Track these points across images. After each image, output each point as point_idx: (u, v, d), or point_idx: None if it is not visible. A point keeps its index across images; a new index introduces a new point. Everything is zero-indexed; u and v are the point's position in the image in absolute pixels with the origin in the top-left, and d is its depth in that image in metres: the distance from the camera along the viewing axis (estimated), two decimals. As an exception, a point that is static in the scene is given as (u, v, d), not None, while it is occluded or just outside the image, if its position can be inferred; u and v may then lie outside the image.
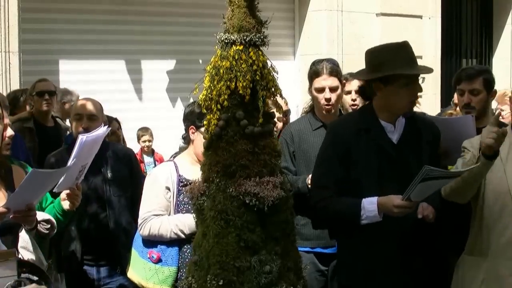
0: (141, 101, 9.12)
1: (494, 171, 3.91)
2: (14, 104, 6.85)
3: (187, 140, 4.59)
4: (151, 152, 9.06)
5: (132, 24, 8.99)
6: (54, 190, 4.11)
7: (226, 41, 3.50)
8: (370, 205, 3.96)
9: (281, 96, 3.67)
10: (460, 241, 4.18)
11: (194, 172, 4.07)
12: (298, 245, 3.85)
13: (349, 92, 5.65)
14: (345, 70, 6.05)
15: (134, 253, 4.54)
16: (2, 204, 3.39)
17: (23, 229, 3.62)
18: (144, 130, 9.00)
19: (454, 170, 3.84)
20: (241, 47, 3.46)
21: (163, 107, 9.33)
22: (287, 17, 10.29)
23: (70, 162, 3.84)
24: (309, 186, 4.63)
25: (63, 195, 4.13)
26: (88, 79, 8.58)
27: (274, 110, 3.79)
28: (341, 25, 10.12)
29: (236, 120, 3.49)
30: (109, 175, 5.06)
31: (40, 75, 7.40)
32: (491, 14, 12.80)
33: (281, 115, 5.50)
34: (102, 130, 4.01)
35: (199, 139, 4.28)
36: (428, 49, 10.90)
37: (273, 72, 3.57)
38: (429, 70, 4.20)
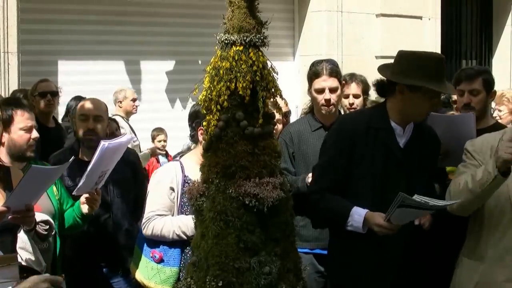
0: (140, 102, 9.11)
1: None
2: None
3: (195, 139, 4.61)
4: (166, 153, 9.00)
5: (131, 25, 8.99)
6: (73, 193, 4.15)
7: (226, 41, 3.49)
8: (357, 216, 3.96)
9: (281, 97, 3.66)
10: (460, 244, 4.18)
11: (199, 173, 4.06)
12: (297, 246, 3.84)
13: (347, 96, 5.64)
14: (344, 71, 6.05)
15: (138, 251, 4.57)
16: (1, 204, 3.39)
17: (22, 230, 3.62)
18: (159, 130, 8.96)
19: (432, 203, 3.74)
20: (241, 48, 3.46)
21: (162, 107, 9.33)
22: (287, 18, 10.29)
23: (89, 167, 3.88)
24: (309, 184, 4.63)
25: (82, 199, 4.18)
26: (87, 79, 8.58)
27: (274, 111, 3.78)
28: (341, 26, 10.12)
29: (236, 121, 3.48)
30: (112, 176, 5.05)
31: (39, 76, 7.40)
32: (491, 15, 12.81)
33: (280, 117, 5.50)
34: (126, 138, 4.06)
35: None
36: (428, 50, 10.83)
37: (273, 73, 3.56)
38: (454, 91, 4.27)
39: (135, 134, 8.25)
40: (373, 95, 5.84)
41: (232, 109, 3.49)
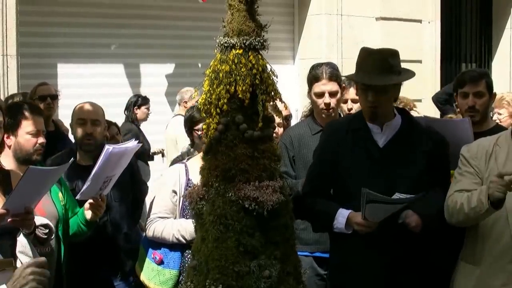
0: (140, 105, 9.11)
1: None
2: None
3: (192, 143, 4.65)
4: None
5: (130, 27, 8.99)
6: (76, 198, 4.14)
7: (225, 45, 3.49)
8: (341, 217, 4.04)
9: (280, 100, 3.66)
10: (458, 250, 4.17)
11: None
12: (297, 249, 3.84)
13: (345, 101, 5.64)
14: (344, 74, 6.04)
15: (142, 251, 4.64)
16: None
17: (21, 234, 3.61)
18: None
19: (398, 197, 3.85)
20: (241, 51, 3.45)
21: (162, 110, 9.32)
22: (286, 21, 10.29)
23: (93, 170, 3.87)
24: None
25: (87, 205, 4.17)
26: (86, 82, 8.57)
27: (274, 114, 3.78)
28: (341, 29, 10.11)
29: (235, 124, 3.48)
30: None
31: (38, 79, 7.39)
32: (491, 18, 12.81)
33: (280, 121, 5.50)
34: (132, 144, 4.05)
35: None
36: (428, 53, 10.90)
37: (273, 76, 3.56)
38: (378, 82, 4.06)
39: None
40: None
41: (231, 112, 3.49)
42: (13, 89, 7.40)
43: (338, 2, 10.09)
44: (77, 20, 8.56)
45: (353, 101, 5.67)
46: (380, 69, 4.06)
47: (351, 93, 5.65)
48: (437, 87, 10.99)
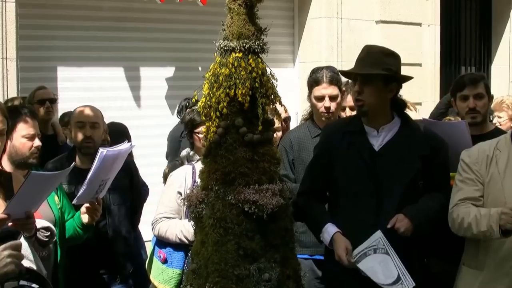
0: (139, 108, 9.10)
1: (492, 184, 3.89)
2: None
3: (192, 146, 4.68)
4: None
5: (131, 31, 8.98)
6: (73, 202, 4.14)
7: (225, 48, 3.49)
8: (327, 235, 4.08)
9: (280, 103, 3.66)
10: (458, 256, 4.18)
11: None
12: (297, 252, 3.84)
13: (343, 109, 5.64)
14: (344, 78, 6.04)
15: (152, 250, 4.75)
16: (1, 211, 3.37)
17: (22, 237, 3.60)
18: None
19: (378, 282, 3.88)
20: (241, 54, 3.46)
21: (162, 114, 9.31)
22: (286, 24, 10.28)
23: (89, 175, 3.86)
24: None
25: (83, 209, 4.16)
26: (86, 86, 8.56)
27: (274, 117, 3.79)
28: (341, 32, 10.11)
29: (235, 127, 3.48)
30: None
31: (38, 82, 7.38)
32: (490, 22, 12.81)
33: (280, 125, 5.51)
34: (125, 146, 4.04)
35: None
36: (427, 56, 10.90)
37: (273, 80, 3.56)
38: (365, 71, 4.11)
39: None
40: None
41: (231, 115, 3.49)
42: (12, 92, 7.39)
43: (338, 6, 10.08)
44: (77, 24, 8.55)
45: (351, 108, 5.67)
46: (369, 62, 4.11)
47: (349, 100, 5.65)
48: (436, 91, 11.00)
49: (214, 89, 3.48)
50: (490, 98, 4.89)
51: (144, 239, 6.32)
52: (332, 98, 5.01)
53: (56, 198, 4.25)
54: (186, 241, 4.42)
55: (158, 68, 9.27)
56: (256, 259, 3.48)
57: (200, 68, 8.99)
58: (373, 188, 4.04)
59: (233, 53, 3.47)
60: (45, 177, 3.56)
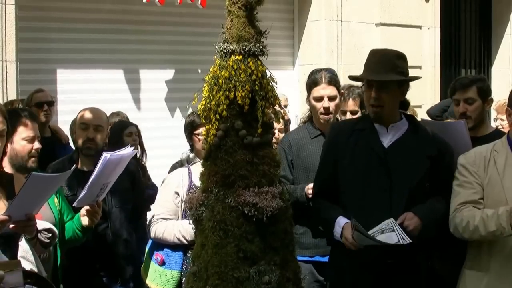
0: (139, 110, 9.09)
1: (492, 184, 3.89)
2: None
3: (192, 148, 4.68)
4: None
5: (130, 33, 8.97)
6: (73, 205, 4.14)
7: (225, 51, 3.49)
8: (338, 226, 4.10)
9: (280, 106, 3.66)
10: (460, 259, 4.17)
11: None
12: (297, 254, 3.85)
13: (344, 113, 5.64)
14: (344, 81, 6.04)
15: (147, 254, 4.69)
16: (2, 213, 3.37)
17: (23, 238, 3.60)
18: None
19: (381, 241, 3.87)
20: (240, 57, 3.46)
21: (161, 117, 9.30)
22: (286, 27, 10.29)
23: (91, 178, 3.87)
24: (309, 195, 4.64)
25: (83, 211, 4.17)
26: (85, 88, 8.55)
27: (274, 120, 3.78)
28: (341, 35, 10.12)
29: (235, 130, 3.48)
30: None
31: (38, 84, 7.38)
32: (490, 24, 12.83)
33: (282, 126, 5.52)
34: (128, 151, 4.05)
35: None
36: (428, 59, 10.91)
37: (272, 82, 3.56)
38: (382, 77, 4.13)
39: None
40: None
41: (231, 118, 3.49)
42: (12, 95, 7.39)
43: (338, 8, 10.09)
44: (76, 26, 8.55)
45: (352, 112, 5.67)
46: (383, 67, 4.12)
47: (350, 105, 5.65)
48: (436, 93, 11.00)
49: (214, 92, 3.48)
50: (488, 101, 4.88)
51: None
52: (331, 98, 5.01)
53: (55, 199, 4.26)
54: (185, 241, 4.41)
55: (157, 71, 9.27)
56: (256, 262, 3.48)
57: (199, 71, 8.98)
58: (385, 183, 4.06)
59: (232, 55, 3.47)
60: (46, 178, 3.56)
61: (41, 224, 3.76)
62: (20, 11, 7.64)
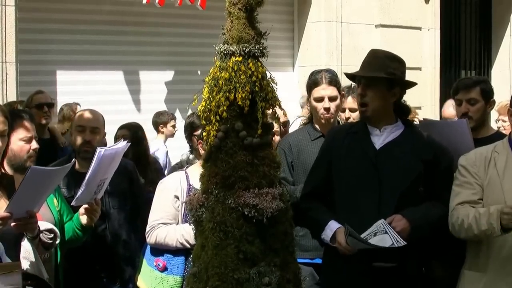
0: (139, 112, 9.10)
1: (492, 186, 3.89)
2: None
3: (192, 150, 4.66)
4: None
5: (130, 34, 8.99)
6: (72, 204, 4.14)
7: (225, 52, 3.49)
8: (329, 230, 4.11)
9: (280, 107, 3.66)
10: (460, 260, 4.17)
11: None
12: (297, 256, 3.84)
13: (343, 110, 5.64)
14: (344, 82, 6.04)
15: (143, 261, 4.61)
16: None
17: (25, 239, 3.60)
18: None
19: (374, 244, 3.88)
20: (240, 58, 3.45)
21: (161, 118, 9.30)
22: (286, 29, 10.30)
23: (87, 175, 3.86)
24: None
25: (82, 210, 4.16)
26: (85, 89, 8.57)
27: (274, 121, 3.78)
28: (340, 36, 10.13)
29: (235, 131, 3.48)
30: (108, 187, 5.03)
31: (37, 86, 7.39)
32: (490, 26, 12.84)
33: (278, 129, 5.50)
34: (121, 145, 4.04)
35: None
36: (427, 60, 10.91)
37: (272, 83, 3.56)
38: (368, 74, 4.18)
39: None
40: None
41: (231, 119, 3.49)
42: (12, 96, 7.40)
43: (338, 10, 10.10)
44: (76, 27, 8.56)
45: (351, 110, 5.67)
46: (373, 65, 4.16)
47: (349, 102, 5.65)
48: (436, 94, 11.01)
49: (214, 93, 3.47)
50: (490, 103, 4.87)
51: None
52: (332, 99, 5.00)
53: (55, 200, 4.25)
54: (188, 245, 4.36)
55: (157, 72, 9.28)
56: (256, 263, 3.47)
57: (199, 72, 9.00)
58: (375, 185, 4.06)
59: (233, 57, 3.46)
60: (45, 171, 3.56)
61: (43, 224, 3.76)
62: (20, 13, 7.66)
